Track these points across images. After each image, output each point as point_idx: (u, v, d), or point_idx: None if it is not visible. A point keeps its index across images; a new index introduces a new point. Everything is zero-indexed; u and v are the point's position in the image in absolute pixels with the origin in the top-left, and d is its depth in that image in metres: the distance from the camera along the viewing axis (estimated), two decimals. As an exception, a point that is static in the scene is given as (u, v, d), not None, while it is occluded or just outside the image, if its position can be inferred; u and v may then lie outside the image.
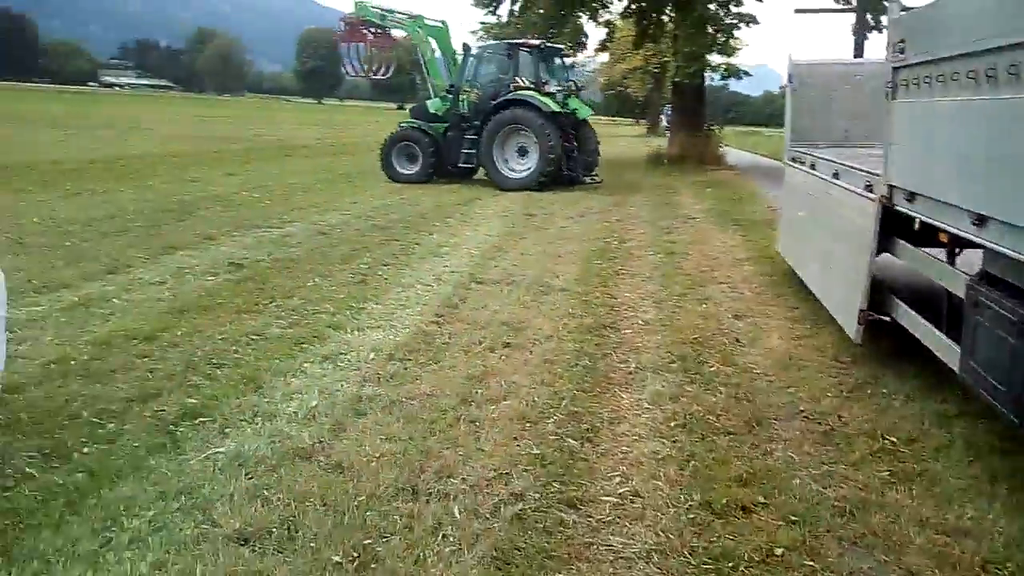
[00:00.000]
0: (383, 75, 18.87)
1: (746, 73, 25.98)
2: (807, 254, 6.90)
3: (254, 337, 5.48)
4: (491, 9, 24.90)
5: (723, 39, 22.33)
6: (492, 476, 3.53)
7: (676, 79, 23.46)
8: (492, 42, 18.77)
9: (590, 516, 3.26)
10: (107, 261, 7.54)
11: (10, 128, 25.32)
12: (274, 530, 3.03)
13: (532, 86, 16.00)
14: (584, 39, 25.80)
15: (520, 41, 17.12)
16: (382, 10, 17.40)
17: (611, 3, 25.15)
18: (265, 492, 3.31)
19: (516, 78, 16.06)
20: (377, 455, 3.70)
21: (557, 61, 17.55)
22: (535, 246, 9.43)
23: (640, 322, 6.21)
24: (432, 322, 6.01)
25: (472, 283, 7.32)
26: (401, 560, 2.88)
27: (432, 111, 16.71)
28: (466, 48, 16.64)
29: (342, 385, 4.63)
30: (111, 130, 27.77)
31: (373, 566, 2.84)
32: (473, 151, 15.98)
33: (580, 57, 30.15)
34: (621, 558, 2.97)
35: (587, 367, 5.06)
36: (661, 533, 3.12)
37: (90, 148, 20.01)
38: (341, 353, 5.22)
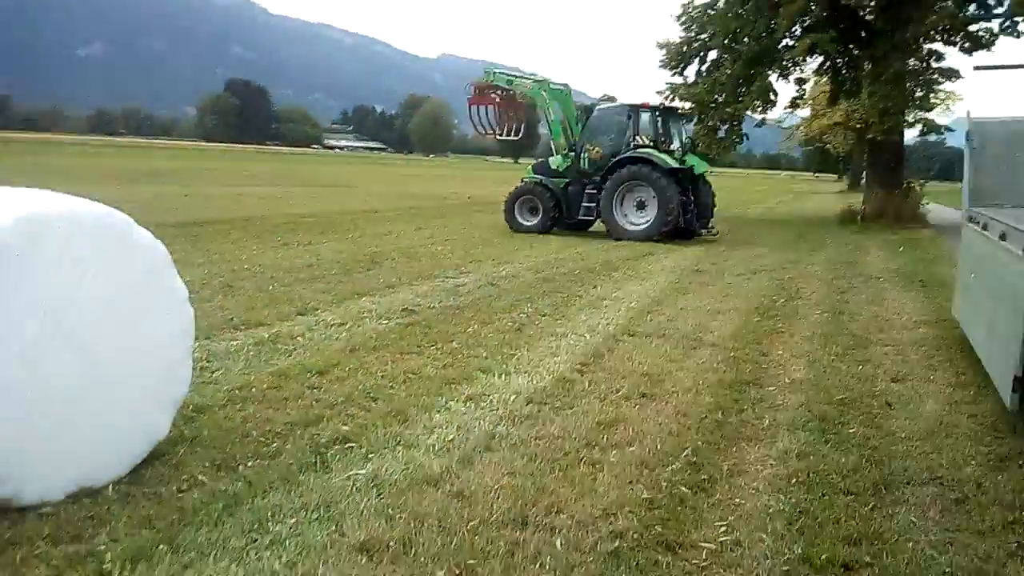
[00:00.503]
0: (514, 136, 19.79)
1: (948, 128, 24.46)
2: (976, 317, 6.51)
3: (411, 375, 5.98)
4: (678, 71, 25.21)
5: (921, 94, 21.24)
6: (599, 515, 3.71)
7: (870, 135, 22.53)
8: (613, 104, 19.52)
9: (685, 560, 3.35)
10: (299, 304, 8.43)
11: (241, 187, 28.50)
12: (392, 544, 3.38)
13: (651, 144, 16.95)
14: (774, 96, 25.45)
15: (640, 103, 17.84)
16: (509, 75, 18.91)
17: (804, 61, 24.66)
18: (390, 511, 3.68)
19: (636, 136, 17.08)
20: (496, 487, 3.99)
21: (675, 120, 18.45)
22: (697, 301, 9.46)
23: (787, 380, 6.13)
24: (576, 370, 6.26)
25: (624, 335, 7.51)
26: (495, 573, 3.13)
27: (553, 167, 17.93)
28: (588, 109, 18.14)
29: (479, 423, 4.97)
30: (325, 188, 30.54)
31: (471, 583, 3.11)
32: (593, 204, 17.00)
33: (773, 114, 29.55)
34: (707, 601, 3.05)
35: (718, 421, 5.10)
36: (753, 582, 3.16)
37: (303, 205, 22.17)
38: (485, 394, 5.58)
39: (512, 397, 5.53)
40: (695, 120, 23.21)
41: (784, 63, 24.13)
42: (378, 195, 28.32)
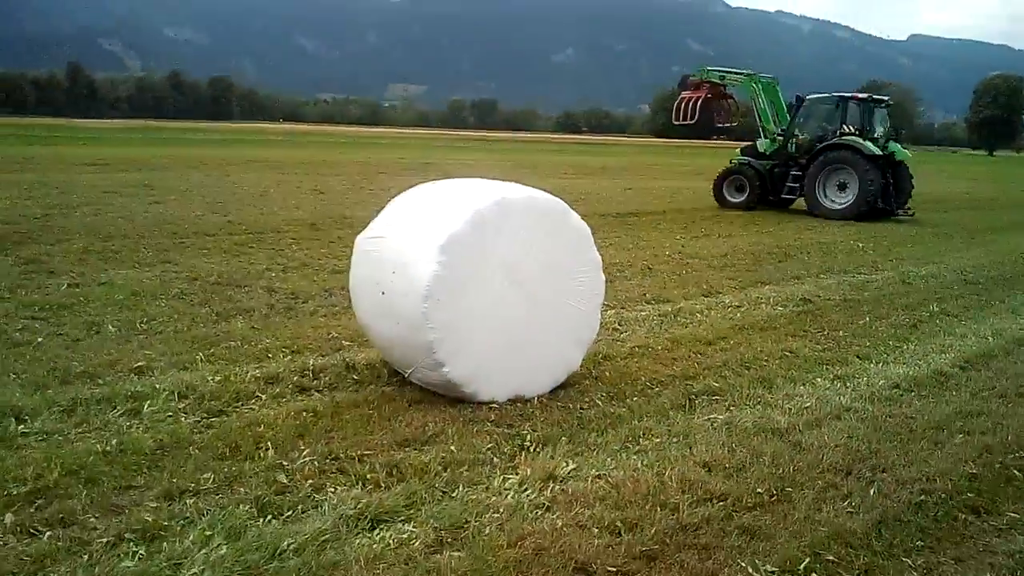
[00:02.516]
0: (727, 122, 22.56)
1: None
2: None
3: (787, 353, 6.68)
4: None
5: None
6: (918, 478, 4.20)
7: None
8: (824, 95, 20.13)
9: (985, 521, 3.74)
10: (705, 287, 9.48)
11: (679, 181, 30.27)
12: (728, 466, 4.29)
13: (856, 132, 18.63)
14: None
15: (850, 94, 19.63)
16: (721, 71, 21.45)
17: None
18: (734, 445, 4.58)
19: (843, 125, 18.80)
20: (833, 444, 4.64)
21: (880, 111, 19.52)
22: None
23: None
24: (958, 366, 6.38)
25: (1031, 342, 7.21)
26: (806, 500, 3.88)
27: (761, 150, 20.10)
28: (799, 99, 19.68)
29: (838, 397, 5.56)
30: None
31: (783, 504, 3.90)
32: (796, 185, 19.03)
33: None
34: None
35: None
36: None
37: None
38: (854, 376, 6.08)
39: (881, 382, 5.96)
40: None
41: None
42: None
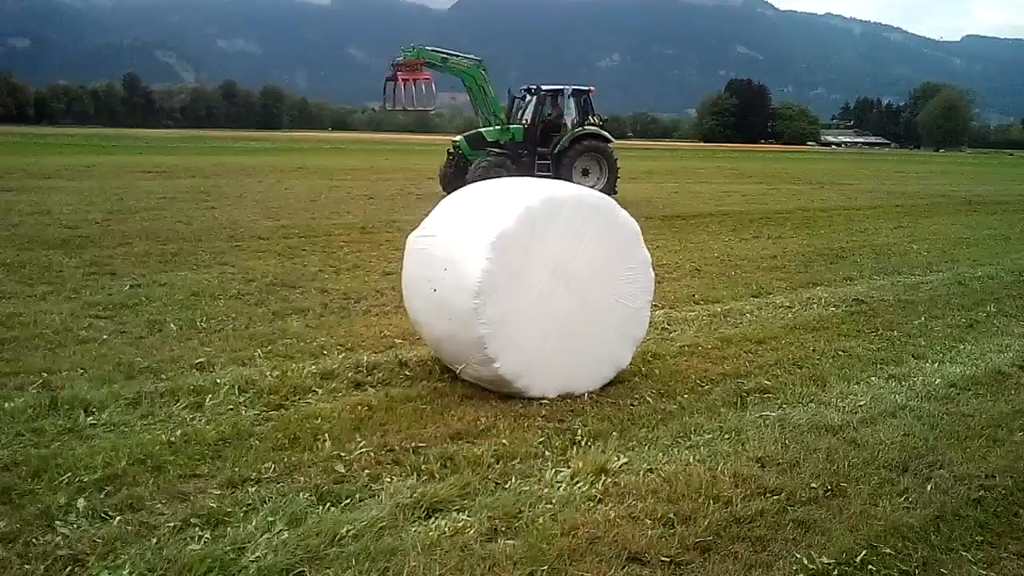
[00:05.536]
0: (427, 107, 20.94)
1: None
2: None
3: (840, 352, 6.60)
4: None
5: None
6: (976, 475, 4.13)
7: None
8: (542, 85, 20.43)
9: (1052, 521, 3.64)
10: (755, 288, 9.40)
11: (728, 184, 30.00)
12: (781, 462, 4.27)
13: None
14: None
15: (560, 87, 20.13)
16: (445, 52, 20.26)
17: None
18: (787, 441, 4.55)
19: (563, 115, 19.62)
20: (889, 441, 4.59)
21: (583, 100, 20.19)
22: None
23: None
24: (1017, 365, 6.26)
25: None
26: (861, 495, 3.85)
27: (490, 140, 19.45)
28: (523, 91, 20.36)
29: (894, 396, 5.48)
30: (809, 186, 30.48)
31: (838, 498, 3.88)
32: (546, 173, 18.42)
33: None
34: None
35: None
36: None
37: (783, 202, 22.74)
38: (909, 376, 5.99)
39: (937, 380, 5.86)
40: None
41: None
42: (865, 192, 27.44)
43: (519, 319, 4.98)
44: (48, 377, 5.15)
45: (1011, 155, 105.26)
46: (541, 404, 5.04)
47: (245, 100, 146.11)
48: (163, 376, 5.29)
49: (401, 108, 20.54)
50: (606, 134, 20.18)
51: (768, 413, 5.06)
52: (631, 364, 5.67)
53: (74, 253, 9.86)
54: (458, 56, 20.46)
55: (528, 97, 20.49)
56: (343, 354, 5.99)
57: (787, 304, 8.53)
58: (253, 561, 3.14)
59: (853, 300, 8.83)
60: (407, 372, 5.62)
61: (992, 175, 45.72)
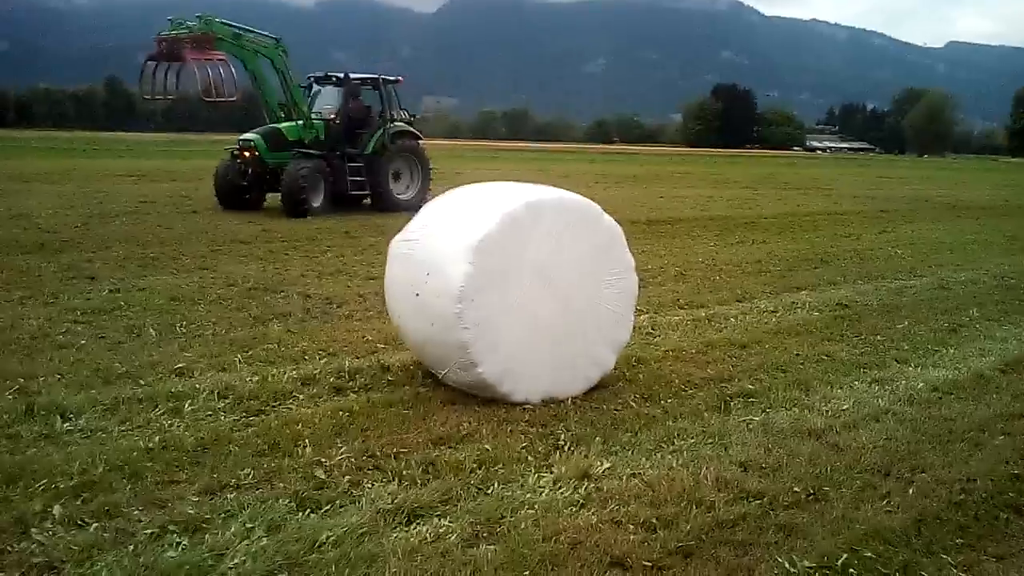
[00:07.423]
0: (227, 98, 16.12)
1: None
2: None
3: (824, 357, 6.62)
4: None
5: None
6: (959, 478, 4.15)
7: None
8: (340, 74, 17.32)
9: (1033, 524, 3.66)
10: (739, 292, 9.41)
11: (712, 189, 30.11)
12: (763, 466, 4.27)
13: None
14: None
15: (373, 76, 17.31)
16: (242, 29, 16.23)
17: None
18: (770, 446, 4.56)
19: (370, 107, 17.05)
20: (871, 446, 4.61)
21: (391, 92, 17.50)
22: None
23: None
24: (999, 369, 6.29)
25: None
26: (843, 499, 3.85)
27: (291, 138, 16.08)
28: (310, 79, 17.24)
29: (876, 400, 5.50)
30: (794, 191, 30.63)
31: (820, 503, 3.88)
32: (361, 178, 16.33)
33: None
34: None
35: None
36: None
37: (767, 207, 22.84)
38: (891, 380, 6.01)
39: (919, 385, 5.88)
40: None
41: None
42: (849, 197, 27.58)
43: (502, 323, 4.96)
44: (24, 383, 5.09)
45: (994, 160, 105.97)
46: (524, 409, 5.02)
47: (228, 104, 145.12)
48: (141, 382, 5.23)
49: (162, 97, 16.79)
50: (417, 132, 17.95)
51: (751, 417, 5.06)
52: (615, 368, 5.66)
53: (52, 257, 9.75)
54: (254, 32, 16.65)
55: (315, 87, 17.37)
56: (324, 359, 5.94)
57: (771, 308, 8.54)
58: (231, 568, 3.10)
59: (837, 304, 8.86)
60: (389, 377, 5.59)
61: (976, 181, 46.11)
